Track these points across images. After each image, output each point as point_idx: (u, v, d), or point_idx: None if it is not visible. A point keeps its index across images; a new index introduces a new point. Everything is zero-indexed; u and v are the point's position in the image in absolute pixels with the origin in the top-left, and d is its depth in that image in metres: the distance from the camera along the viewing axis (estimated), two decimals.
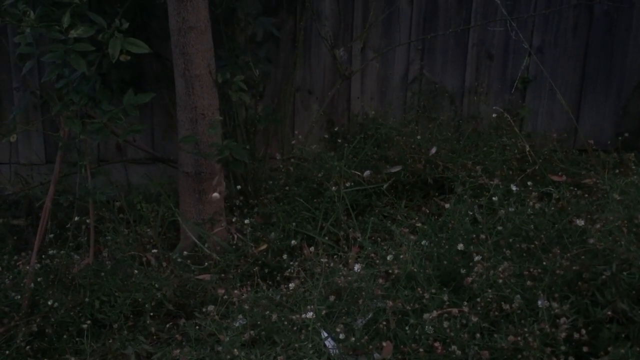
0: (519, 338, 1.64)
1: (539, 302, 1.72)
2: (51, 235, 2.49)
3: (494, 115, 2.92)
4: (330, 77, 3.03)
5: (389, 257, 2.07)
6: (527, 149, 2.51)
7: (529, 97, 3.07)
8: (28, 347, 2.00)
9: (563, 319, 1.66)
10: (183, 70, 2.38)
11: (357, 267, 2.06)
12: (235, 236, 2.55)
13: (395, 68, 3.05)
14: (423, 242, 2.14)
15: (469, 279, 1.85)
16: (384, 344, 1.77)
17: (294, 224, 2.49)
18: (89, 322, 2.05)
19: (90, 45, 2.19)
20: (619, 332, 1.69)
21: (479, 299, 1.79)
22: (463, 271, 1.94)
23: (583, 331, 1.65)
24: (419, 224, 2.32)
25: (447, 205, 2.29)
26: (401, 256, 2.03)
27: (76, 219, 2.52)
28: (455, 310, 1.79)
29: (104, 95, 2.35)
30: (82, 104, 2.28)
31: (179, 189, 2.58)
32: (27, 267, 2.30)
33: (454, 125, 3.03)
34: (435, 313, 1.79)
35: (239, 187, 2.74)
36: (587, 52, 3.03)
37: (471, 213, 2.26)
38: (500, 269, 1.84)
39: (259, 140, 2.95)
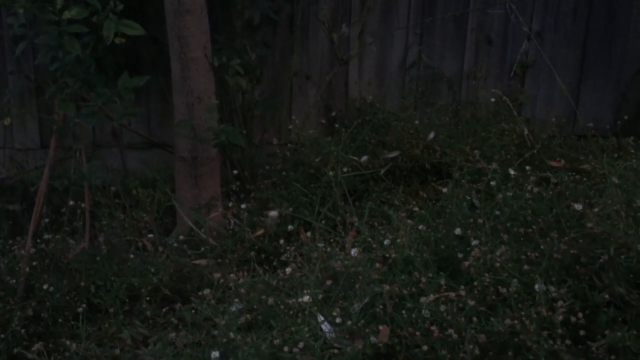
0: (516, 322, 1.64)
1: (536, 286, 1.72)
2: (46, 220, 2.48)
3: (492, 99, 2.90)
4: (328, 62, 3.01)
5: (386, 242, 2.06)
6: (526, 132, 2.50)
7: (528, 82, 3.05)
8: (24, 331, 1.99)
9: (560, 303, 1.66)
10: (179, 54, 2.35)
11: (354, 252, 2.05)
12: (232, 221, 2.54)
13: (393, 53, 3.02)
14: (420, 227, 2.13)
15: (466, 263, 1.84)
16: (381, 327, 1.76)
17: (290, 209, 2.47)
18: (84, 306, 2.05)
19: (85, 27, 2.17)
20: (616, 316, 1.69)
21: (476, 283, 1.79)
22: (460, 255, 1.93)
23: (580, 315, 1.65)
24: (416, 209, 2.31)
25: (444, 190, 2.27)
26: (398, 240, 2.02)
27: (71, 203, 2.51)
28: (452, 294, 1.78)
29: (99, 79, 2.33)
30: (76, 87, 2.26)
31: (175, 174, 2.57)
32: (23, 252, 2.29)
33: (452, 111, 3.02)
34: (432, 297, 1.78)
35: (235, 172, 2.72)
36: (587, 38, 3.00)
37: (469, 198, 2.25)
38: (497, 253, 1.83)
39: (255, 126, 2.93)
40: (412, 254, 1.96)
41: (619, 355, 1.60)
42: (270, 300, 1.87)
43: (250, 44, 2.72)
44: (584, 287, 1.73)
